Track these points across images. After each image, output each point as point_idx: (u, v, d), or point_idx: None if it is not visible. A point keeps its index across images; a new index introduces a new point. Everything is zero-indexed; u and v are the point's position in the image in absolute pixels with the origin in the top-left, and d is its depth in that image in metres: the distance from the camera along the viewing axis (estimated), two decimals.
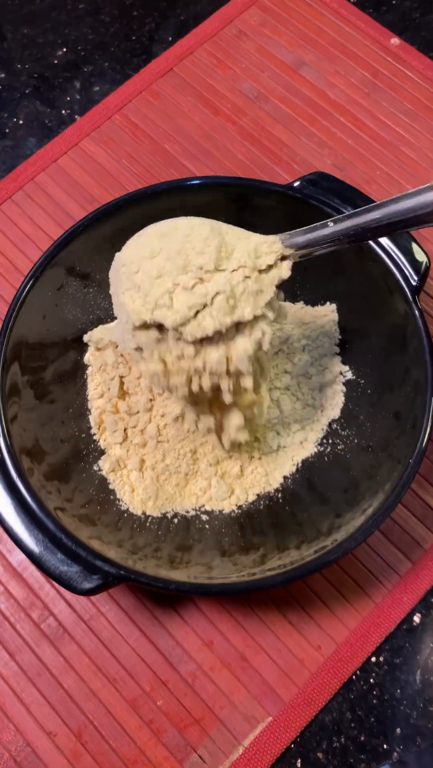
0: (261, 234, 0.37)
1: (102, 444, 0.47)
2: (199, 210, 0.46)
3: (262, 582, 0.38)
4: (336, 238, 0.35)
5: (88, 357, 0.48)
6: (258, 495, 0.46)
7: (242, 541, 0.43)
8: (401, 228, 0.33)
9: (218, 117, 0.60)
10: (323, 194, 0.45)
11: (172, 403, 0.45)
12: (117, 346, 0.47)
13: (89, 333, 0.48)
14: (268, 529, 0.44)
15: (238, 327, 0.36)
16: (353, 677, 0.44)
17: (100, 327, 0.48)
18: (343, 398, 0.48)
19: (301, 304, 0.50)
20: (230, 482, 0.45)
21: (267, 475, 0.46)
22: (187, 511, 0.45)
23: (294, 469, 0.46)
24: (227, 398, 0.37)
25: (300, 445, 0.47)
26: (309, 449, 0.47)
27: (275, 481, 0.46)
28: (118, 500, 0.45)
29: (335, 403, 0.48)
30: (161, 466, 0.45)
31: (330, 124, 0.60)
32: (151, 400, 0.46)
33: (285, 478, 0.46)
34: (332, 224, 0.35)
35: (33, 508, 0.39)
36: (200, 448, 0.45)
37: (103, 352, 0.48)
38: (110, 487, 0.45)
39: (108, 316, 0.49)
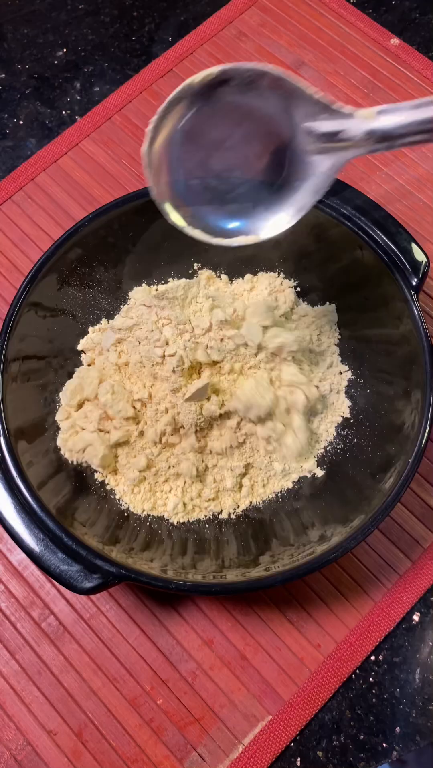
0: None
1: None
2: None
3: (262, 581, 0.38)
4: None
5: (89, 357, 0.48)
6: (258, 495, 0.46)
7: (242, 541, 0.43)
8: None
9: None
10: None
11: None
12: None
13: (82, 341, 0.48)
14: (268, 529, 0.44)
15: None
16: (353, 676, 0.44)
17: (91, 334, 0.48)
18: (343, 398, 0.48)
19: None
20: (231, 482, 0.45)
21: (267, 475, 0.46)
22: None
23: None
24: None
25: None
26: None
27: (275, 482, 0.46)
28: (119, 500, 0.45)
29: None
30: (162, 465, 0.45)
31: None
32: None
33: (285, 478, 0.46)
34: None
35: (33, 507, 0.39)
36: (202, 443, 0.46)
37: (102, 353, 0.48)
38: (110, 486, 0.45)
39: (108, 316, 0.49)
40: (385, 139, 0.30)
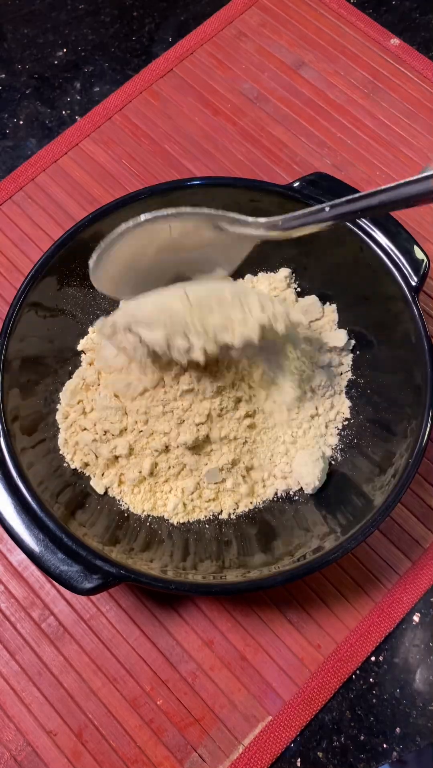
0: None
1: None
2: None
3: (262, 581, 0.38)
4: (332, 220, 0.35)
5: (89, 357, 0.48)
6: (259, 495, 0.46)
7: (242, 541, 0.43)
8: (395, 209, 0.33)
9: (217, 117, 0.60)
10: (323, 195, 0.45)
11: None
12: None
13: (82, 342, 0.48)
14: (268, 529, 0.44)
15: None
16: (353, 676, 0.44)
17: (91, 334, 0.48)
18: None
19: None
20: (231, 482, 0.45)
21: (267, 476, 0.46)
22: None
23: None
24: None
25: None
26: None
27: (275, 482, 0.46)
28: (119, 500, 0.45)
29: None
30: (163, 466, 0.45)
31: (330, 125, 0.60)
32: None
33: (285, 478, 0.46)
34: (328, 209, 0.35)
35: (33, 507, 0.39)
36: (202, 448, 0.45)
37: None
38: (110, 487, 0.45)
39: (108, 316, 0.49)
40: (277, 228, 0.37)
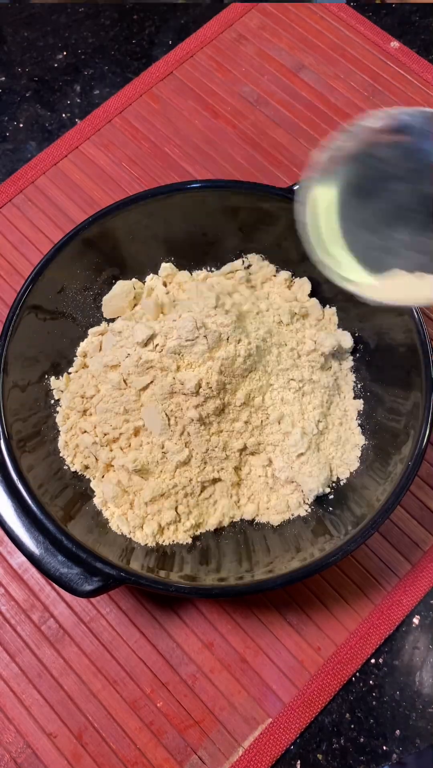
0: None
1: None
2: (198, 213, 0.47)
3: (262, 584, 0.38)
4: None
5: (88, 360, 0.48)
6: (261, 501, 0.46)
7: (242, 544, 0.43)
8: None
9: (217, 120, 0.60)
10: None
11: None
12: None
13: (82, 344, 0.48)
14: (268, 533, 0.44)
15: None
16: (353, 679, 0.44)
17: (91, 337, 0.48)
18: None
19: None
20: (228, 493, 0.45)
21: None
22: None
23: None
24: None
25: None
26: None
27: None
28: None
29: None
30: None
31: (330, 128, 0.60)
32: None
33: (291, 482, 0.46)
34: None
35: (33, 510, 0.39)
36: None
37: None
38: None
39: (108, 319, 0.49)
40: None
